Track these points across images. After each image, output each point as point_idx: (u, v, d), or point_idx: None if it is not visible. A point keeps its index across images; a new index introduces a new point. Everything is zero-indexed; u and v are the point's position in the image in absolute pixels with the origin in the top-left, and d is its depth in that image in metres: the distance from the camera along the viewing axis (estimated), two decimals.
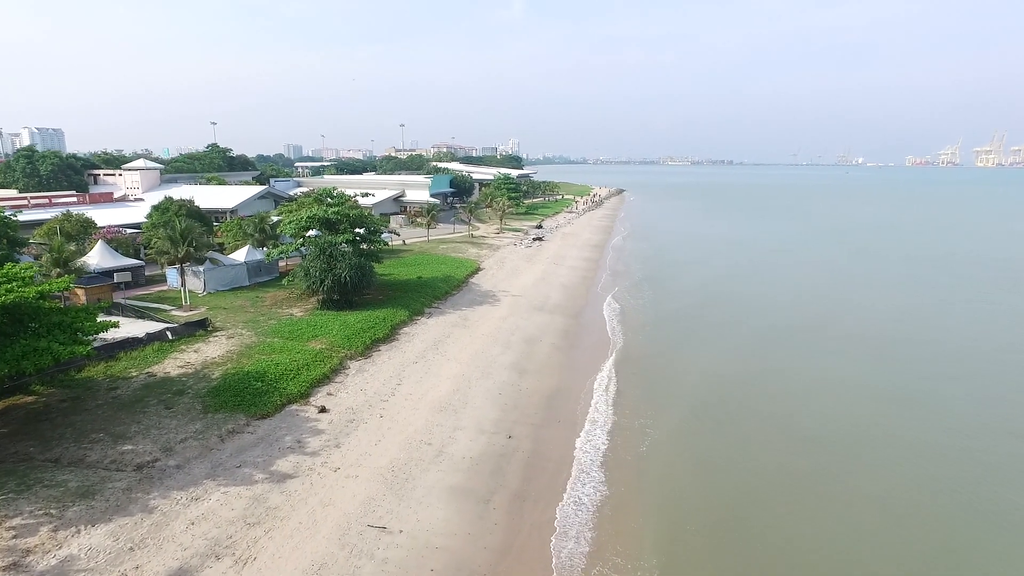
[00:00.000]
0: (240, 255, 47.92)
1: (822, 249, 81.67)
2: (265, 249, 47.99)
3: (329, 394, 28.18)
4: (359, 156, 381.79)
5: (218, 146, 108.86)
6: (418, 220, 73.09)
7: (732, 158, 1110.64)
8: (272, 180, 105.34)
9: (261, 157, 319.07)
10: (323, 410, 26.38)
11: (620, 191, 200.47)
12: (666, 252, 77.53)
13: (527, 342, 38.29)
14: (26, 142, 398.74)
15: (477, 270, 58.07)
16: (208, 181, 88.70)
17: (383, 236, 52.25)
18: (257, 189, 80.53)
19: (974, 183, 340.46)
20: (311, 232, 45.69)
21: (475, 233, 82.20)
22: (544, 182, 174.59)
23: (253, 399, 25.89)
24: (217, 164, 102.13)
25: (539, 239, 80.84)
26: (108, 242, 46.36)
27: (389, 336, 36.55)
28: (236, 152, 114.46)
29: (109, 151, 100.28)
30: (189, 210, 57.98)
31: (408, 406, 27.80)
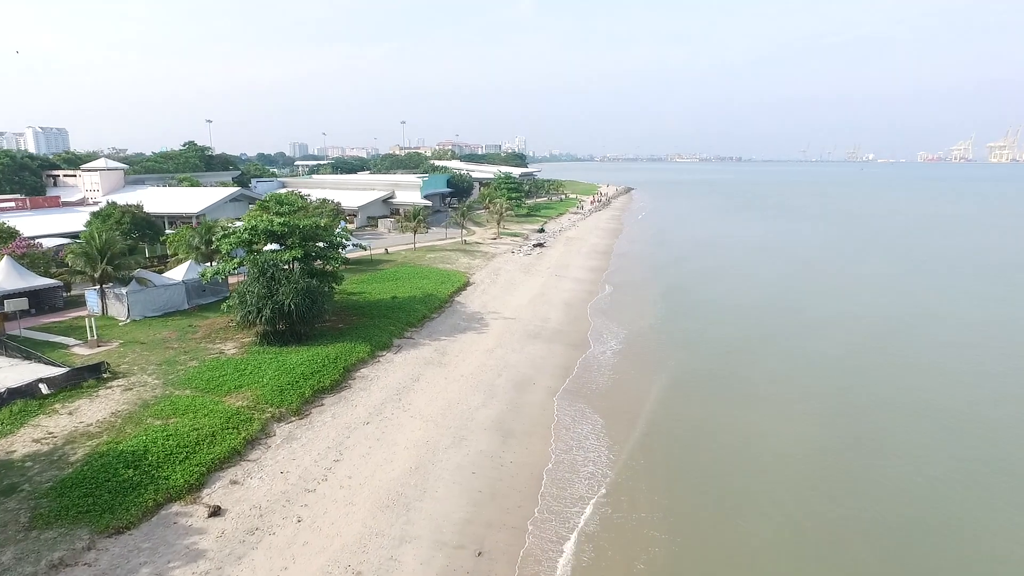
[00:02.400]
0: (179, 272, 40.34)
1: (871, 260, 73.17)
2: (210, 265, 40.28)
3: (233, 482, 20.39)
4: (362, 154, 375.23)
5: (195, 144, 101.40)
6: (405, 225, 65.41)
7: (741, 155, 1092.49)
8: (254, 180, 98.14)
9: (261, 156, 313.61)
10: (215, 512, 18.61)
11: (628, 190, 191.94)
12: (681, 261, 69.27)
13: (517, 386, 30.40)
14: (30, 142, 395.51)
15: (465, 285, 50.18)
16: (180, 182, 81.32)
17: (349, 247, 44.45)
18: (229, 191, 73.00)
19: (997, 180, 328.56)
20: (270, 247, 37.89)
21: (469, 239, 74.31)
22: (549, 181, 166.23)
23: (113, 500, 18.15)
24: (193, 163, 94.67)
25: (540, 245, 72.87)
26: (19, 258, 38.83)
27: (339, 383, 28.70)
28: (239, 152, 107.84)
29: (71, 150, 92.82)
30: (135, 216, 50.56)
31: (342, 499, 20.00)
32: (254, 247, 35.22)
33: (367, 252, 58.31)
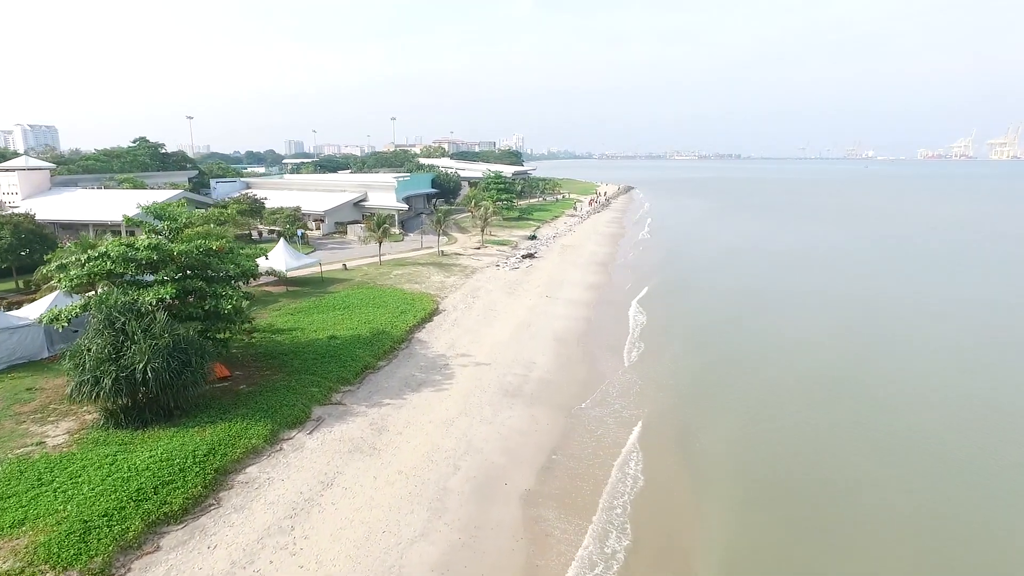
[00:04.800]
0: (39, 308, 30.30)
1: (925, 274, 63.33)
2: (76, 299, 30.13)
3: None
4: (357, 152, 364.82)
5: (147, 140, 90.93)
6: (369, 234, 55.38)
7: (740, 152, 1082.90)
8: (213, 181, 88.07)
9: (251, 154, 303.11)
10: None
11: (628, 188, 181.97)
12: (694, 273, 59.38)
13: (479, 491, 20.54)
14: (19, 140, 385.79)
15: (432, 313, 40.23)
16: (120, 184, 71.20)
17: (266, 270, 34.46)
18: (169, 194, 62.94)
19: (1013, 178, 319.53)
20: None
21: (448, 249, 64.38)
22: (544, 180, 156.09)
23: None
24: (142, 162, 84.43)
25: (530, 256, 62.94)
26: None
27: (201, 499, 18.71)
28: (232, 150, 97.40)
29: None
30: (18, 228, 40.56)
31: None
32: (114, 281, 25.16)
33: (326, 271, 48.20)
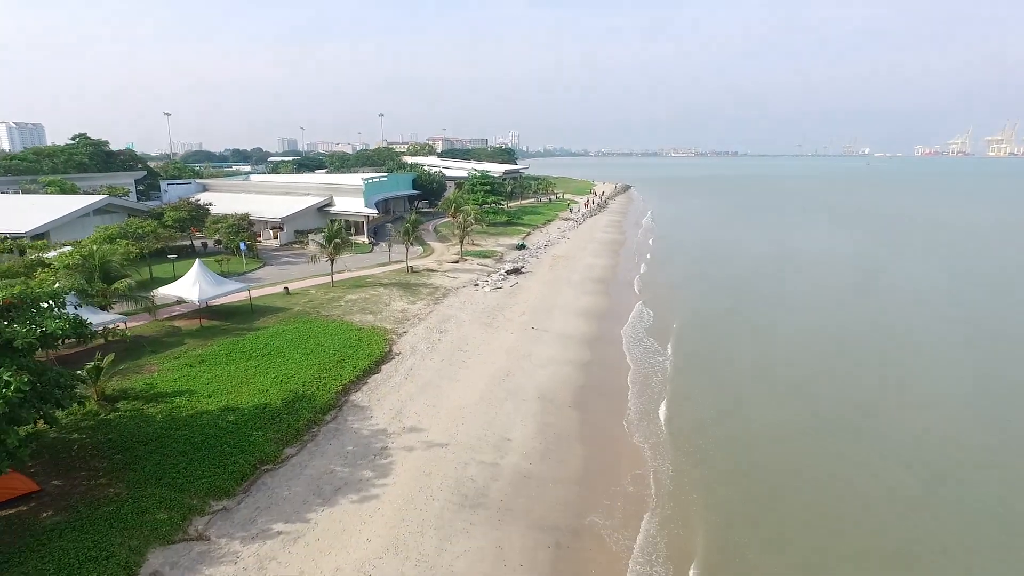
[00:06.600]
0: None
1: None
2: None
3: None
4: (348, 150, 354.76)
5: (88, 137, 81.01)
6: (319, 248, 45.90)
7: (736, 149, 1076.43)
8: (164, 183, 78.55)
9: (237, 152, 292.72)
10: None
11: (626, 187, 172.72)
12: (717, 293, 50.22)
13: None
14: (3, 138, 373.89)
15: (381, 360, 30.87)
16: (44, 187, 61.66)
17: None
18: (87, 200, 53.44)
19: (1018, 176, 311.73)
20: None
21: (420, 263, 55.02)
22: (537, 179, 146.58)
23: None
24: (79, 162, 74.71)
25: (516, 271, 53.64)
26: None
27: None
28: (222, 148, 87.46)
29: None
30: None
31: None
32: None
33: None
